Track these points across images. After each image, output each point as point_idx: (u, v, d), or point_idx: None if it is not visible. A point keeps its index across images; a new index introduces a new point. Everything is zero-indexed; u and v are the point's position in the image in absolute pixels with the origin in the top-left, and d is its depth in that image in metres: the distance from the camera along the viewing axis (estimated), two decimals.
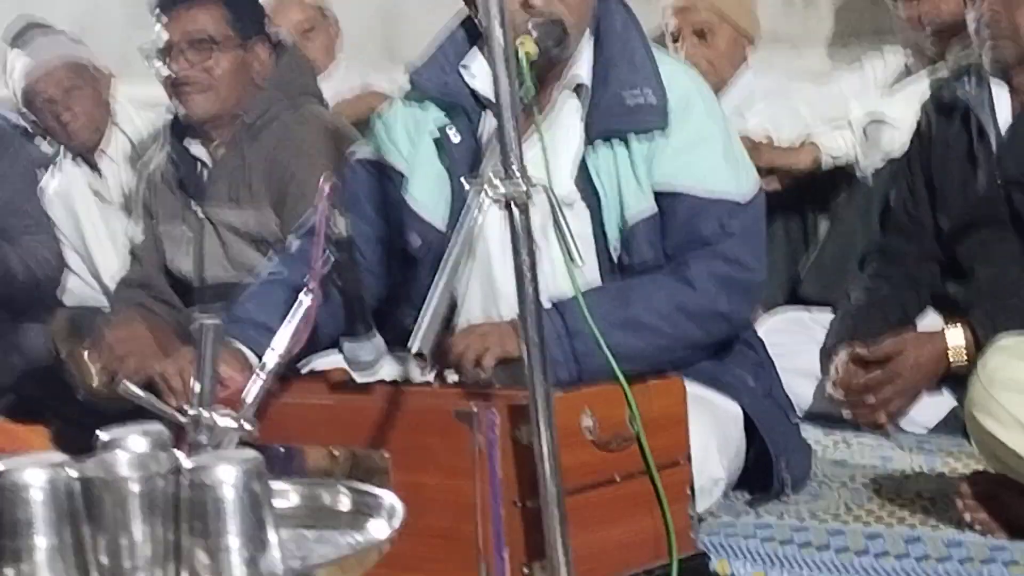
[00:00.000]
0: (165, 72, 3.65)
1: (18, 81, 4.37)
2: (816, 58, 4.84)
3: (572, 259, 2.35)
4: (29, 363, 3.96)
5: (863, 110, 3.80)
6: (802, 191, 3.88)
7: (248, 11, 3.74)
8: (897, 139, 3.72)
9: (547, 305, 2.55)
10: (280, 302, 2.79)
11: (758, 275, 2.86)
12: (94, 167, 4.46)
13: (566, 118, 2.89)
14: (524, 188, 2.21)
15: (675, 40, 4.42)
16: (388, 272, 3.02)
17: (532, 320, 2.23)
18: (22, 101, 4.41)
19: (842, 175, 3.84)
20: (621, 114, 2.82)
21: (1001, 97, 3.51)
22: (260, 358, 2.45)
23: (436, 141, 2.94)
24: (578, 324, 2.61)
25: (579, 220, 2.80)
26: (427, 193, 2.94)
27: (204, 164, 3.74)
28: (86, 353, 3.59)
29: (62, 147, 4.47)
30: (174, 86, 3.67)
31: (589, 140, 2.84)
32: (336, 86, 4.81)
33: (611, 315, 2.67)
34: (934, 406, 3.41)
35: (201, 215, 3.71)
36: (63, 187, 4.48)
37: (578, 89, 2.89)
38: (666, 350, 2.76)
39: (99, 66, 4.44)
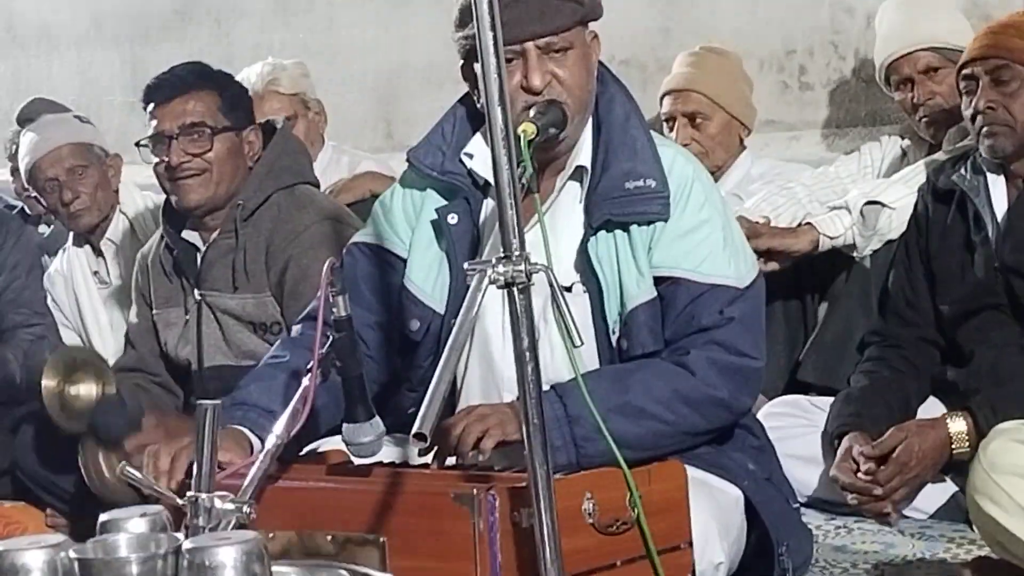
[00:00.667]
0: (160, 161, 3.65)
1: (23, 160, 4.37)
2: (813, 144, 4.86)
3: (572, 341, 2.34)
4: (24, 444, 3.94)
5: (860, 192, 3.80)
6: (800, 274, 3.87)
7: (240, 101, 3.75)
8: (895, 220, 3.72)
9: (545, 388, 2.54)
10: (281, 386, 2.78)
11: (757, 362, 2.85)
12: (96, 249, 4.45)
13: (567, 204, 2.89)
14: (524, 269, 2.21)
15: (668, 124, 4.44)
16: (388, 356, 3.00)
17: (532, 403, 2.22)
18: (26, 180, 4.40)
19: (840, 257, 3.83)
20: (623, 202, 2.82)
21: (997, 184, 3.52)
22: (261, 441, 2.43)
23: (434, 224, 2.94)
24: (578, 409, 2.60)
25: (579, 306, 2.79)
26: (425, 277, 2.94)
27: (199, 249, 3.74)
28: (101, 453, 3.52)
29: (71, 232, 4.45)
30: (169, 175, 3.66)
31: (591, 227, 2.84)
32: (322, 171, 4.81)
33: (609, 400, 2.66)
34: (935, 492, 3.40)
35: (198, 300, 3.70)
36: (66, 268, 4.47)
37: (579, 172, 2.89)
38: (665, 436, 2.74)
39: (106, 147, 4.43)
